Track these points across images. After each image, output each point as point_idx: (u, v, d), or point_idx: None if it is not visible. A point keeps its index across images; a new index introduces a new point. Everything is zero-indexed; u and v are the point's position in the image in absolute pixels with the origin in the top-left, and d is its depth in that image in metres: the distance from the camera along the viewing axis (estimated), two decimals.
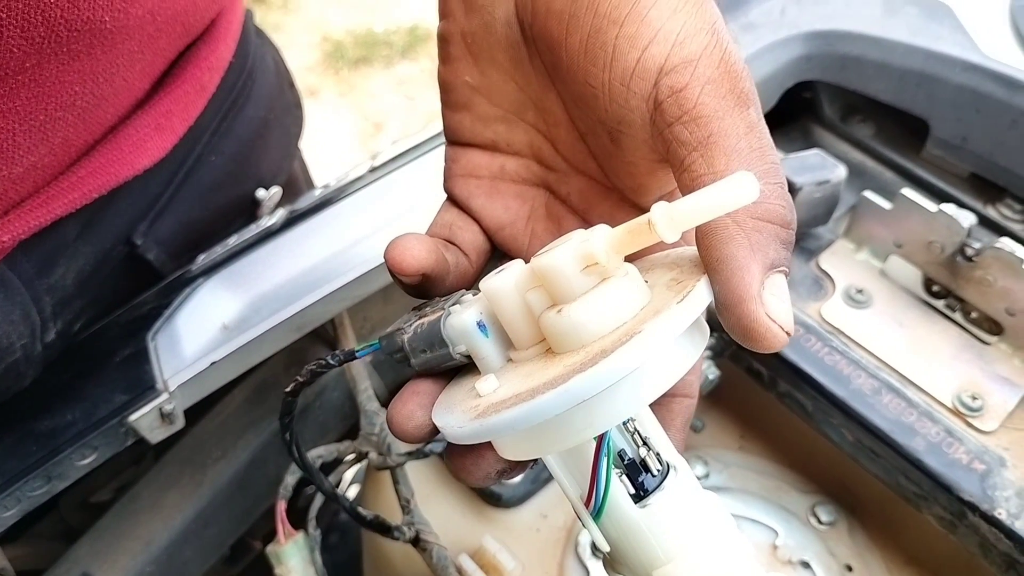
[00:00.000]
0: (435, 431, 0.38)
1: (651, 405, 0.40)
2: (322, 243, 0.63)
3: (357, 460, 0.62)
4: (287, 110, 0.76)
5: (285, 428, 0.47)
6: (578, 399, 0.31)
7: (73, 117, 0.49)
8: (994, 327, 0.62)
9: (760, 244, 0.32)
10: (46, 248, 0.55)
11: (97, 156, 0.53)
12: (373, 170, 0.67)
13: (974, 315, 0.62)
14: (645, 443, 0.36)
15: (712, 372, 0.61)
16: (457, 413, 0.35)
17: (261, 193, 0.72)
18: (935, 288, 0.64)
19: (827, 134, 0.73)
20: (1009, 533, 0.53)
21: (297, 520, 0.62)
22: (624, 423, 0.37)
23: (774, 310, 0.32)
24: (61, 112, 0.47)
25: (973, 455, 0.56)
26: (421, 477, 0.64)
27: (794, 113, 0.74)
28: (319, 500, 0.61)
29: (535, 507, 0.63)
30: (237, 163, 0.69)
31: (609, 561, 0.39)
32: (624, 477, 0.36)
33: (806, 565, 0.61)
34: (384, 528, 0.57)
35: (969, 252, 0.60)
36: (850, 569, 0.62)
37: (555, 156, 0.43)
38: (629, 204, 0.41)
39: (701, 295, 0.33)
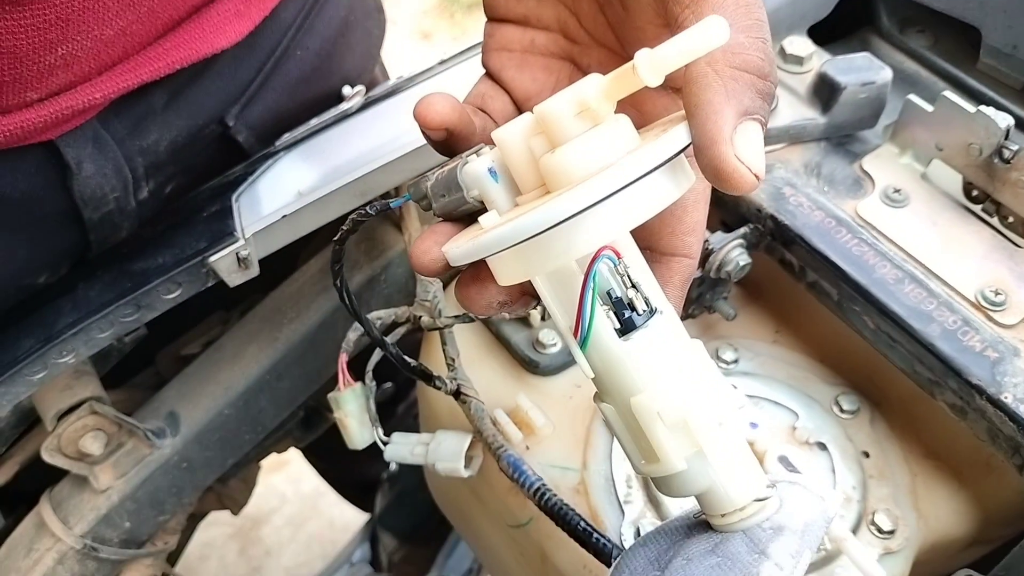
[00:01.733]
0: (448, 265, 0.43)
1: (649, 262, 0.45)
2: (391, 124, 0.69)
3: (411, 323, 0.68)
4: (368, 13, 0.82)
5: (336, 275, 0.53)
6: (550, 221, 0.35)
7: None
8: None
9: (736, 91, 0.36)
10: (136, 112, 0.62)
11: (181, 32, 0.60)
12: (442, 62, 0.73)
13: (1010, 219, 0.64)
14: (634, 286, 0.40)
15: (744, 259, 0.64)
16: (460, 242, 0.40)
17: (347, 90, 0.78)
18: (974, 193, 0.65)
19: (884, 44, 0.74)
20: (1013, 416, 0.55)
21: (358, 374, 0.69)
22: (615, 265, 0.41)
23: (744, 153, 0.35)
24: None
25: (987, 343, 0.58)
26: (469, 343, 0.70)
27: (854, 24, 0.76)
28: (377, 355, 0.68)
29: (569, 378, 0.68)
30: (321, 59, 0.75)
31: (597, 394, 0.43)
32: (611, 312, 0.40)
33: (823, 447, 0.64)
34: (426, 376, 0.63)
35: (1006, 154, 0.61)
36: (867, 455, 0.65)
37: (579, 29, 0.47)
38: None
39: (677, 136, 0.37)
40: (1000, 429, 0.56)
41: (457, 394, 0.65)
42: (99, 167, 0.61)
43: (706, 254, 0.64)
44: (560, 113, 0.38)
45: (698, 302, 0.67)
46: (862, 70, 0.65)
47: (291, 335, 0.74)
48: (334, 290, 0.76)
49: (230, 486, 0.91)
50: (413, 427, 0.77)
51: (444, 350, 0.67)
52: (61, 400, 0.68)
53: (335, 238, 0.50)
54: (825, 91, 0.66)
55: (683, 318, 0.68)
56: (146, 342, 0.79)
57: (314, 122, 0.70)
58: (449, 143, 0.45)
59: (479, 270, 0.43)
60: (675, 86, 0.44)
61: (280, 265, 0.78)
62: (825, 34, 0.74)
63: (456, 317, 0.66)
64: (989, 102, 0.69)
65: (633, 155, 0.36)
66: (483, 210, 0.43)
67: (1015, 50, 0.66)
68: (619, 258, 0.40)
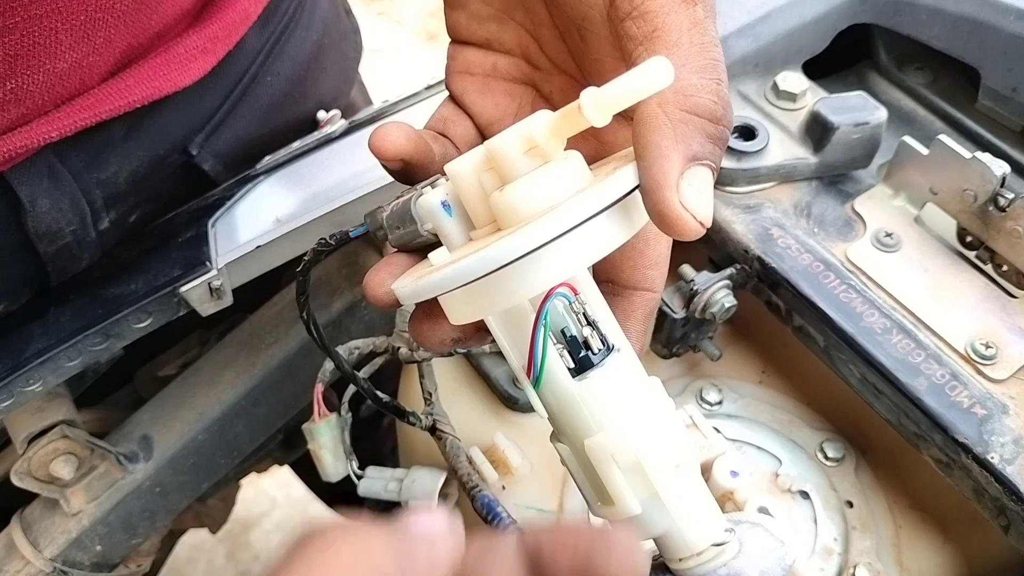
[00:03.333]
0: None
1: (611, 296, 0.44)
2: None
3: (390, 353, 0.67)
4: (343, 35, 0.81)
5: (302, 307, 0.52)
6: (495, 263, 0.34)
7: (114, 19, 0.54)
8: (1022, 280, 0.61)
9: (684, 135, 0.35)
10: (94, 145, 0.61)
11: (141, 67, 0.58)
12: (429, 87, 0.71)
13: (1004, 268, 0.62)
14: (590, 324, 0.39)
15: (729, 301, 0.62)
16: (409, 278, 0.39)
17: (321, 114, 0.76)
18: (968, 239, 0.63)
19: (882, 81, 0.73)
20: (999, 477, 0.53)
21: (336, 404, 0.68)
22: (570, 303, 0.40)
23: (689, 199, 0.34)
24: (102, 13, 0.52)
25: (975, 400, 0.56)
26: (449, 376, 0.69)
27: (851, 58, 0.74)
28: (352, 388, 0.67)
29: None
30: (293, 84, 0.74)
31: (553, 433, 0.42)
32: (565, 352, 0.39)
33: (805, 495, 0.62)
34: (399, 412, 0.62)
35: (1002, 202, 0.60)
36: (851, 505, 0.63)
37: (540, 55, 0.46)
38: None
39: (624, 178, 0.35)
40: (986, 489, 0.55)
41: (433, 430, 0.63)
42: (54, 202, 0.59)
43: (691, 295, 0.63)
44: (508, 150, 0.37)
45: (683, 341, 0.66)
46: (856, 110, 0.63)
47: (268, 361, 0.73)
48: (316, 312, 0.75)
49: (209, 505, 0.90)
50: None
51: (422, 383, 0.65)
52: (32, 423, 0.67)
53: (298, 269, 0.49)
54: (817, 130, 0.64)
55: (667, 357, 0.67)
56: (125, 360, 0.78)
57: (296, 145, 0.69)
58: (407, 172, 0.45)
59: (432, 306, 0.42)
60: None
61: (262, 286, 0.77)
62: (822, 68, 0.73)
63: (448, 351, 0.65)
64: (987, 144, 0.67)
65: (580, 196, 0.35)
66: (437, 243, 0.42)
67: (1015, 93, 0.64)
68: (575, 294, 0.40)
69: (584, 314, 0.40)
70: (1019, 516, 0.53)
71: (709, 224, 0.36)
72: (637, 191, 0.37)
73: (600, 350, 0.40)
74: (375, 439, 1.02)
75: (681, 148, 0.35)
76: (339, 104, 0.79)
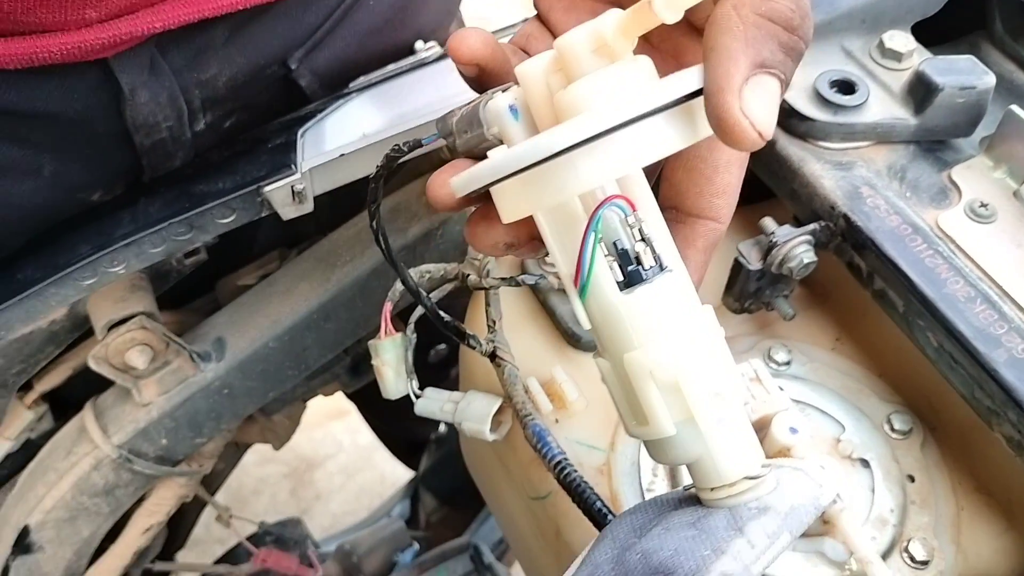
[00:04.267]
0: (463, 201, 0.42)
1: (674, 223, 0.43)
2: None
3: (459, 280, 0.68)
4: None
5: (372, 216, 0.52)
6: (543, 152, 0.34)
7: None
8: None
9: (755, 39, 0.34)
10: (196, 45, 0.62)
11: None
12: (526, 20, 0.71)
13: None
14: (644, 240, 0.39)
15: (808, 257, 0.61)
16: (462, 171, 0.39)
17: (419, 45, 0.77)
18: None
19: (995, 51, 0.70)
20: None
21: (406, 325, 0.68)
22: (626, 216, 0.39)
23: (751, 107, 0.33)
24: None
25: None
26: (515, 309, 0.69)
27: (966, 27, 0.71)
28: (420, 310, 0.67)
29: None
30: (395, 11, 0.74)
31: (597, 348, 0.42)
32: (615, 264, 0.39)
33: (865, 464, 0.61)
34: (460, 334, 0.62)
35: None
36: (912, 479, 0.61)
37: None
38: (692, 26, 0.43)
39: (688, 79, 0.35)
40: None
41: (493, 356, 0.64)
42: (153, 95, 0.61)
43: (769, 247, 0.61)
44: (577, 48, 0.37)
45: (756, 296, 0.65)
46: (963, 73, 0.61)
47: (343, 278, 0.74)
48: (391, 237, 0.76)
49: (274, 421, 0.93)
50: None
51: (487, 310, 0.65)
52: (113, 311, 0.69)
53: (371, 176, 0.50)
54: (920, 91, 0.62)
55: (738, 311, 0.66)
56: (209, 269, 0.81)
57: (389, 68, 0.70)
58: (482, 80, 0.44)
59: (487, 208, 0.42)
60: None
61: (345, 207, 0.78)
62: (935, 35, 0.70)
63: (503, 279, 0.65)
64: None
65: (638, 93, 0.35)
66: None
67: None
68: (633, 210, 0.39)
69: (639, 230, 0.39)
70: None
71: (769, 136, 0.34)
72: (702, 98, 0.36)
73: (652, 267, 0.39)
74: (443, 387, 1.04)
75: (750, 52, 0.34)
76: (438, 36, 0.79)
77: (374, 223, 0.53)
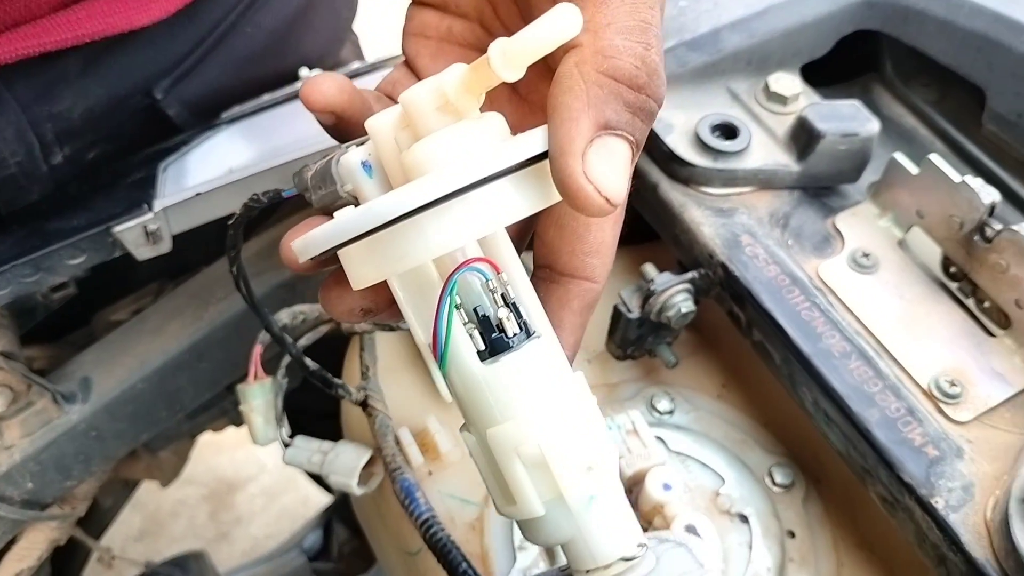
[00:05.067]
0: (314, 264, 0.39)
1: (547, 283, 0.41)
2: None
3: (333, 322, 0.65)
4: None
5: (232, 261, 0.50)
6: (383, 217, 0.32)
7: None
8: (1003, 319, 0.57)
9: (597, 99, 0.32)
10: (47, 77, 0.59)
11: (95, 1, 0.56)
12: (396, 57, 0.68)
13: (986, 304, 0.58)
14: (508, 305, 0.36)
15: (687, 306, 0.59)
16: (307, 236, 0.37)
17: (304, 72, 0.73)
18: (952, 269, 0.59)
19: (886, 94, 0.68)
20: (941, 524, 0.50)
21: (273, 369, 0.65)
22: (487, 280, 0.37)
23: (595, 171, 0.31)
24: None
25: (929, 439, 0.52)
26: (393, 353, 0.66)
27: (858, 69, 0.70)
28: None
29: None
30: (275, 38, 0.71)
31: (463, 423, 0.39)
32: (476, 332, 0.36)
33: (744, 519, 0.59)
34: (326, 383, 0.59)
35: (988, 233, 0.56)
36: (792, 535, 0.59)
37: (495, 21, 0.43)
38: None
39: (533, 140, 0.33)
40: (927, 535, 0.51)
41: (364, 405, 0.61)
42: None
43: (648, 295, 0.59)
44: (421, 105, 0.35)
45: (638, 344, 0.63)
46: (846, 119, 0.59)
47: (216, 316, 0.71)
48: (266, 275, 0.73)
49: (160, 457, 0.89)
50: None
51: (361, 356, 0.63)
52: None
53: (229, 222, 0.47)
54: (803, 137, 0.60)
55: (621, 358, 0.64)
56: (87, 303, 0.77)
57: (265, 98, 0.67)
58: (340, 128, 0.42)
59: (340, 273, 0.39)
60: None
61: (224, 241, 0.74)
62: (827, 77, 0.69)
63: (377, 324, 0.62)
64: (987, 173, 0.63)
65: (483, 155, 0.32)
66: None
67: (1020, 119, 0.60)
68: (496, 272, 0.36)
69: (503, 295, 0.37)
70: (959, 569, 0.49)
71: (618, 201, 0.32)
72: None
73: (516, 334, 0.36)
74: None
75: (592, 113, 0.32)
76: (326, 63, 0.76)
77: (234, 269, 0.50)
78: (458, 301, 0.36)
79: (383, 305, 0.40)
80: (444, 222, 0.33)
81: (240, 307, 0.71)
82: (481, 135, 0.34)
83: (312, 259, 0.37)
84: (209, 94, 0.68)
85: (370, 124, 0.37)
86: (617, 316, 0.61)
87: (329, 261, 0.39)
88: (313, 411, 0.75)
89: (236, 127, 0.65)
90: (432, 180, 0.31)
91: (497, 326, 0.36)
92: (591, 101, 0.32)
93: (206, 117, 0.68)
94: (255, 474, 1.89)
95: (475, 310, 0.37)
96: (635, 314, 0.60)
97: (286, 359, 0.64)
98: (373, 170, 0.38)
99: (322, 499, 1.80)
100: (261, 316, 0.55)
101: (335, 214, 0.39)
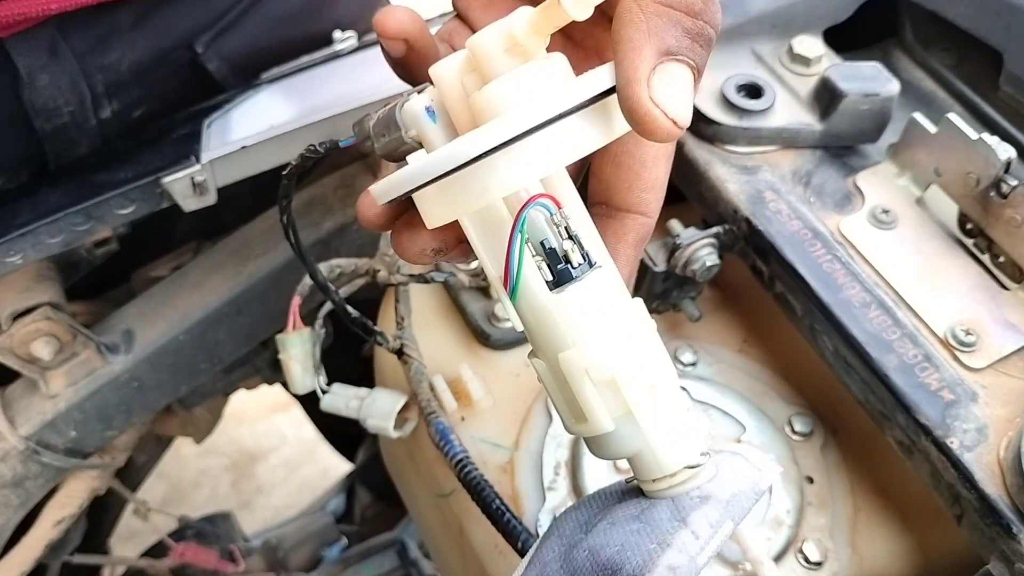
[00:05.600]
0: (389, 216, 0.41)
1: (603, 218, 0.43)
2: (381, 69, 0.67)
3: (370, 275, 0.67)
4: None
5: (283, 211, 0.52)
6: (461, 157, 0.34)
7: None
8: (1017, 273, 0.59)
9: (657, 28, 0.34)
10: (100, 30, 0.61)
11: None
12: (443, 15, 0.71)
13: (1001, 259, 0.60)
14: (572, 238, 0.39)
15: (711, 260, 0.61)
16: (385, 181, 0.39)
17: (337, 35, 0.76)
18: (969, 226, 0.61)
19: (906, 59, 0.70)
20: (956, 463, 0.52)
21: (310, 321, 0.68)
22: (551, 214, 0.39)
23: (660, 95, 0.33)
24: None
25: (945, 384, 0.54)
26: (426, 306, 0.69)
27: (879, 34, 0.72)
28: (329, 305, 0.67)
29: (520, 355, 0.66)
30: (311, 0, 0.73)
31: (531, 350, 0.42)
32: (543, 264, 0.39)
33: None
34: (366, 330, 0.62)
35: (1004, 188, 0.57)
36: (811, 481, 0.62)
37: None
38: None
39: (601, 76, 0.35)
40: (942, 474, 0.53)
41: (400, 353, 0.63)
42: (53, 79, 0.60)
43: (673, 249, 0.61)
44: (489, 48, 0.36)
45: (663, 297, 0.65)
46: (867, 80, 0.61)
47: (255, 271, 0.73)
48: (304, 232, 0.76)
49: (194, 414, 0.91)
50: None
51: (396, 307, 0.65)
52: (17, 301, 0.68)
53: (284, 172, 0.49)
54: (825, 97, 0.62)
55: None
56: (125, 259, 0.79)
57: (303, 60, 0.69)
58: (408, 62, 0.43)
59: (411, 216, 0.41)
60: None
61: (263, 199, 0.77)
62: (848, 41, 0.71)
63: (412, 276, 0.65)
64: (1004, 134, 0.65)
65: (554, 94, 0.35)
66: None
67: None
68: (558, 208, 0.39)
69: (566, 228, 0.39)
70: (972, 506, 0.52)
71: (685, 124, 0.34)
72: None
73: (580, 264, 0.39)
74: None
75: (654, 42, 0.34)
76: (359, 26, 0.78)
77: (284, 218, 0.52)
78: (526, 236, 0.39)
79: (452, 244, 0.42)
80: (518, 161, 0.35)
81: (278, 263, 0.74)
82: (550, 75, 0.36)
83: (389, 202, 0.39)
84: (247, 51, 0.70)
85: (435, 70, 0.38)
86: (643, 270, 0.63)
87: (399, 213, 0.42)
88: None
89: (276, 87, 0.68)
90: (507, 120, 0.33)
91: (563, 257, 0.39)
92: (651, 31, 0.34)
93: (244, 75, 0.70)
94: (276, 446, 1.92)
95: (542, 243, 0.39)
96: (661, 267, 0.62)
97: (323, 310, 0.67)
98: (437, 115, 0.39)
99: (340, 471, 1.84)
100: (307, 264, 0.57)
101: (408, 159, 0.41)
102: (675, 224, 0.63)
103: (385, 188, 0.38)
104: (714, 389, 0.65)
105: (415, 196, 0.38)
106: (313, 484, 1.86)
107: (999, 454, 0.52)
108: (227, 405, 0.97)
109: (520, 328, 0.41)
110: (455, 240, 0.42)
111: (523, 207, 0.38)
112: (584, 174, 0.45)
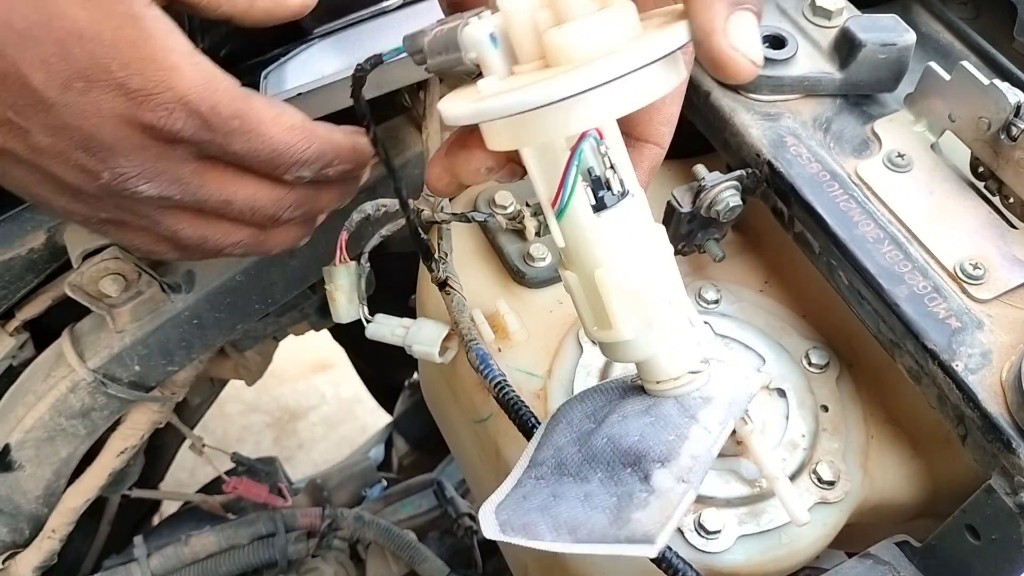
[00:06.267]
0: (461, 186, 0.47)
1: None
2: (426, 23, 0.72)
3: (413, 215, 0.72)
4: None
5: (368, 130, 0.56)
6: (551, 98, 0.38)
7: None
8: None
9: None
10: None
11: None
12: None
13: (1011, 200, 0.63)
14: (612, 167, 0.44)
15: (734, 200, 0.65)
16: (457, 101, 0.43)
17: None
18: (980, 170, 0.65)
19: (924, 13, 0.73)
20: (960, 384, 0.56)
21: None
22: (598, 145, 0.43)
23: (738, 41, 0.38)
24: None
25: (952, 313, 0.58)
26: (464, 247, 0.73)
27: None
28: (375, 240, 0.72)
29: (553, 293, 0.71)
30: None
31: (563, 262, 0.47)
32: (588, 189, 0.44)
33: (782, 393, 0.65)
34: (427, 252, 0.66)
35: (1014, 132, 0.61)
36: (826, 409, 0.65)
37: None
38: None
39: (677, 32, 0.39)
40: (948, 396, 0.57)
41: (443, 285, 0.68)
42: None
43: (699, 191, 0.65)
44: None
45: (688, 239, 0.69)
46: (885, 30, 0.65)
47: None
48: None
49: (246, 356, 0.97)
50: None
51: (439, 244, 0.70)
52: (88, 241, 0.73)
53: (351, 95, 0.54)
54: (845, 46, 0.66)
55: (673, 254, 0.70)
56: None
57: (352, 16, 0.74)
58: (463, 3, 0.47)
59: (467, 137, 0.46)
60: None
61: None
62: None
63: (454, 215, 0.69)
64: (1018, 83, 0.68)
65: (636, 45, 0.39)
66: (476, 73, 0.44)
67: None
68: (602, 139, 0.43)
69: (608, 157, 0.44)
70: (975, 424, 0.55)
71: (761, 62, 0.39)
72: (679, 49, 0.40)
73: (619, 192, 0.44)
74: None
75: None
76: None
77: (371, 135, 0.56)
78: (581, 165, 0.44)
79: (503, 163, 0.47)
80: (595, 106, 0.39)
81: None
82: (626, 24, 0.41)
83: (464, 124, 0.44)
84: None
85: (505, 2, 0.42)
86: (670, 212, 0.67)
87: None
88: None
89: (327, 42, 0.72)
90: (592, 69, 0.38)
91: (605, 184, 0.44)
92: None
93: (299, 30, 0.74)
94: (316, 404, 1.99)
95: (588, 171, 0.44)
96: (687, 208, 0.66)
97: (369, 244, 0.71)
98: (499, 42, 0.43)
99: (378, 428, 1.90)
100: (395, 178, 0.61)
101: (480, 85, 0.44)
102: (700, 168, 0.67)
103: (467, 114, 0.42)
104: (736, 325, 0.69)
105: (485, 124, 0.43)
106: (352, 441, 1.93)
107: (1001, 376, 0.55)
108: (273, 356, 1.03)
109: (561, 244, 0.45)
110: (506, 159, 0.47)
111: (580, 139, 0.43)
112: None
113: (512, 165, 0.47)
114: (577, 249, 0.45)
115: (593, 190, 0.44)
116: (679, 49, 0.40)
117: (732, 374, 0.48)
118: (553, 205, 0.44)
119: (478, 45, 0.43)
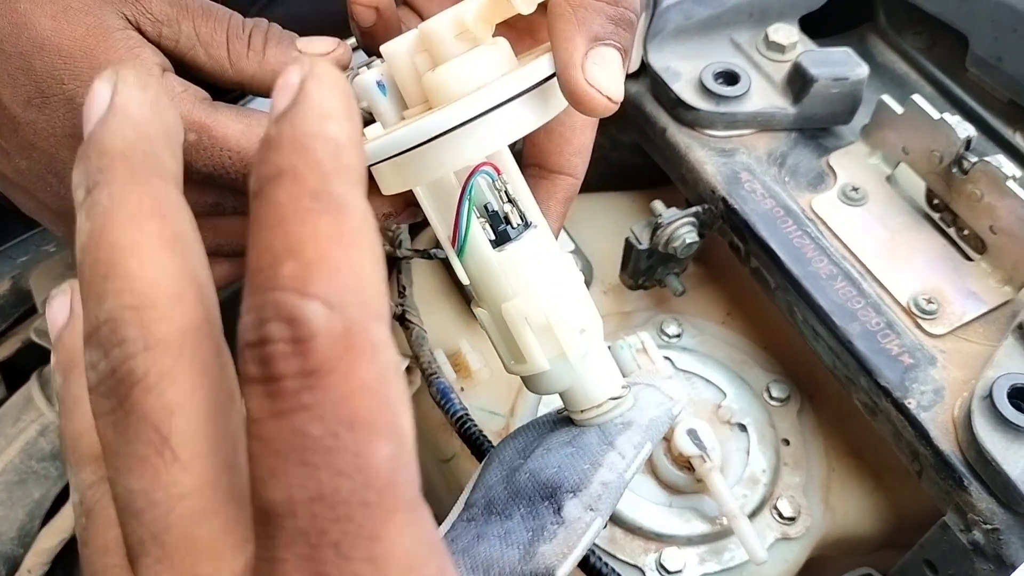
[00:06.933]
0: None
1: (536, 179, 0.49)
2: None
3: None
4: None
5: None
6: (424, 136, 0.39)
7: None
8: (979, 245, 0.63)
9: (585, 19, 0.39)
10: None
11: None
12: None
13: (965, 232, 0.63)
14: (511, 201, 0.44)
15: (691, 237, 0.65)
16: None
17: None
18: (935, 201, 0.65)
19: (880, 43, 0.74)
20: (913, 422, 0.56)
21: None
22: (492, 181, 0.44)
23: (594, 76, 0.39)
24: None
25: (905, 349, 0.58)
26: (427, 284, 0.73)
27: (854, 20, 0.75)
28: None
29: None
30: None
31: (474, 299, 0.47)
32: (487, 225, 0.44)
33: (743, 428, 0.65)
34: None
35: (965, 165, 0.61)
36: (787, 443, 0.66)
37: None
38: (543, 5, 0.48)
39: (541, 64, 0.40)
40: (902, 433, 0.57)
41: (401, 319, 0.68)
42: None
43: (656, 227, 0.66)
44: (441, 33, 0.41)
45: (648, 274, 0.69)
46: (837, 64, 0.65)
47: None
48: None
49: None
50: None
51: (397, 277, 0.70)
52: (53, 286, 0.74)
53: None
54: (798, 81, 0.66)
55: (633, 288, 0.71)
56: None
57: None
58: (376, 33, 0.48)
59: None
60: None
61: None
62: (825, 28, 0.74)
63: (416, 251, 0.70)
64: (971, 113, 0.68)
65: (504, 79, 0.39)
66: (371, 122, 0.46)
67: (1000, 62, 0.65)
68: (498, 174, 0.44)
69: (505, 192, 0.44)
70: (928, 462, 0.56)
71: (618, 99, 0.40)
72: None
73: (519, 225, 0.44)
74: None
75: (583, 31, 0.39)
76: None
77: None
78: (473, 200, 0.44)
79: (401, 208, 0.47)
80: (472, 139, 0.40)
81: None
82: (498, 60, 0.41)
83: None
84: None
85: (387, 48, 0.43)
86: (629, 248, 0.67)
87: None
88: None
89: None
90: (464, 104, 0.38)
91: (504, 219, 0.44)
92: (580, 21, 0.39)
93: None
94: None
95: (485, 207, 0.44)
96: (644, 245, 0.66)
97: None
98: (387, 89, 0.44)
99: None
100: None
101: (366, 132, 0.46)
102: (658, 204, 0.67)
103: None
104: (697, 359, 0.69)
105: (373, 169, 0.43)
106: None
107: (954, 413, 0.56)
108: None
109: (466, 281, 0.46)
110: (403, 204, 0.47)
111: (470, 175, 0.43)
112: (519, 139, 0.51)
113: (412, 208, 0.47)
114: (483, 285, 0.45)
115: (492, 225, 0.44)
116: (545, 82, 0.41)
117: (655, 397, 0.48)
118: (452, 243, 0.45)
119: (367, 93, 0.44)
